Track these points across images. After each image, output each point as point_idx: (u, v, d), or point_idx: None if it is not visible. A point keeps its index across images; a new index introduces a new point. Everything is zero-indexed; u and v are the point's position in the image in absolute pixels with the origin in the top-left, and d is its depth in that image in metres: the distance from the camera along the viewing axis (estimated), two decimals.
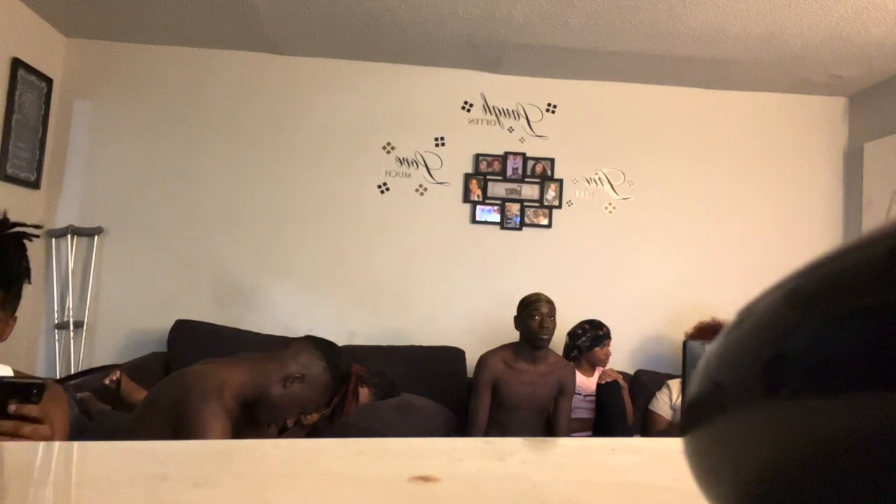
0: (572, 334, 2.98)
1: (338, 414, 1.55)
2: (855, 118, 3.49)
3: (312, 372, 1.48)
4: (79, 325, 3.14)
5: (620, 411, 2.72)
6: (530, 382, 2.58)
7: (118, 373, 2.33)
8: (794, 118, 3.51)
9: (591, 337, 2.92)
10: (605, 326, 2.96)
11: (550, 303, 2.62)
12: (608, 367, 2.96)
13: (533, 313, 2.56)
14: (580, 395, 2.87)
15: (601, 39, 2.91)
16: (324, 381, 1.49)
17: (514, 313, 2.70)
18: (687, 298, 3.32)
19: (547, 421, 2.68)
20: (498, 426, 2.62)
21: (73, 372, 3.08)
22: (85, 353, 3.15)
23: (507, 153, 3.40)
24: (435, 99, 3.40)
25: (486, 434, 2.62)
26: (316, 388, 1.48)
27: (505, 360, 2.61)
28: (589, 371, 2.94)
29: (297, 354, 1.49)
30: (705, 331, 2.91)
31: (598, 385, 2.80)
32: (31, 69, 2.97)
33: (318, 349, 1.52)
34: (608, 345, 2.94)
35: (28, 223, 1.18)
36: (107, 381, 2.19)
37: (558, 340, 3.04)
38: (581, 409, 2.87)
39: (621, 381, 2.86)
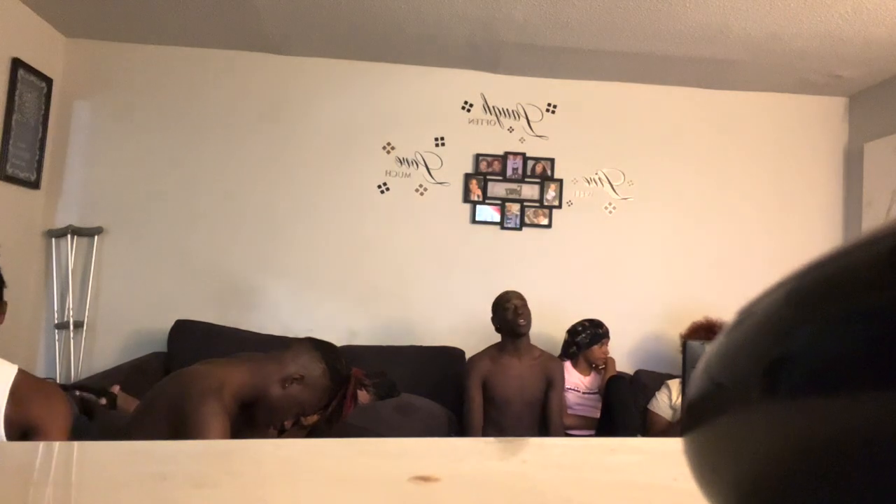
0: (572, 331, 3.00)
1: (336, 417, 1.55)
2: (855, 118, 3.49)
3: (312, 374, 1.48)
4: (79, 325, 3.14)
5: (627, 407, 2.73)
6: (518, 375, 2.65)
7: (116, 389, 2.34)
8: (794, 118, 3.51)
9: (590, 334, 2.94)
10: (605, 326, 2.98)
11: (520, 295, 2.72)
12: (609, 357, 3.00)
13: (506, 305, 2.67)
14: (577, 391, 2.89)
15: (601, 39, 2.91)
16: (323, 383, 1.49)
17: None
18: (687, 298, 3.32)
19: (541, 416, 2.70)
20: (494, 424, 2.65)
21: (72, 372, 3.09)
22: (85, 353, 3.15)
23: (507, 153, 3.40)
24: (435, 99, 3.40)
25: (484, 433, 2.63)
26: (315, 389, 1.48)
27: (491, 357, 2.70)
28: (586, 369, 2.95)
29: (297, 356, 1.49)
30: (699, 330, 2.92)
31: (607, 381, 2.82)
32: (31, 69, 2.97)
33: (319, 351, 1.52)
34: (606, 344, 2.96)
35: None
36: (103, 402, 2.21)
37: (550, 336, 3.05)
38: (580, 406, 2.88)
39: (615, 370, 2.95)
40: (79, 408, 2.16)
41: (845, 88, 3.40)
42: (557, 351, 2.99)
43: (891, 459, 0.14)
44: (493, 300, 2.73)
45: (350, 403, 1.56)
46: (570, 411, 2.85)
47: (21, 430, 1.25)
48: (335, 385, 1.52)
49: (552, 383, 2.69)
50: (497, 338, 2.73)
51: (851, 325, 0.15)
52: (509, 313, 2.65)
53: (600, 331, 2.95)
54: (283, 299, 3.28)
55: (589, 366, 2.96)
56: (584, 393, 2.90)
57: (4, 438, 1.23)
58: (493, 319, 2.73)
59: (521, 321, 2.64)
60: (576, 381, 2.91)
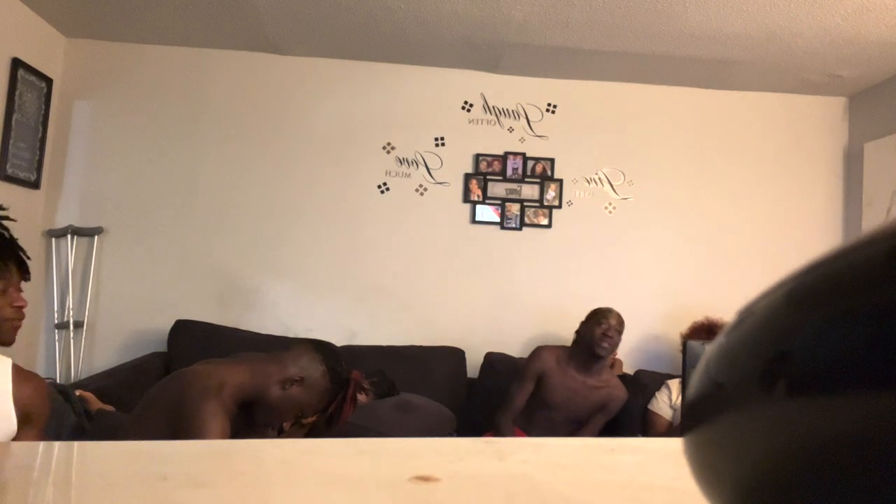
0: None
1: (336, 419, 1.55)
2: (855, 118, 3.49)
3: (312, 375, 1.47)
4: (79, 325, 3.14)
5: (630, 410, 2.73)
6: (573, 389, 2.55)
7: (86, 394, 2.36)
8: (794, 118, 3.51)
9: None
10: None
11: (620, 319, 2.60)
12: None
13: (601, 320, 2.55)
14: None
15: (601, 39, 2.91)
16: (323, 385, 1.49)
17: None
18: (686, 298, 3.32)
19: (574, 431, 2.64)
20: (528, 419, 2.60)
21: (72, 372, 3.09)
22: (85, 353, 3.15)
23: (507, 153, 3.40)
24: (435, 99, 3.40)
25: (516, 423, 2.61)
26: (315, 391, 1.48)
27: (558, 357, 2.60)
28: None
29: (298, 357, 1.49)
30: (699, 330, 2.92)
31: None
32: (31, 69, 2.96)
33: (319, 353, 1.52)
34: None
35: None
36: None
37: (551, 336, 3.05)
38: None
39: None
40: (79, 406, 2.16)
41: (845, 88, 3.40)
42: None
43: (890, 459, 0.14)
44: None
45: (350, 406, 1.56)
46: None
47: (19, 418, 1.28)
48: (335, 388, 1.52)
49: (605, 408, 2.58)
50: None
51: (851, 325, 0.15)
52: (599, 329, 2.52)
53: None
54: (282, 299, 3.28)
55: None
56: None
57: (15, 421, 1.26)
58: (581, 325, 2.62)
59: (605, 344, 2.50)
60: None
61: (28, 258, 1.38)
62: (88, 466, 0.41)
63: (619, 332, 2.57)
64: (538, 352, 2.64)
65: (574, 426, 2.62)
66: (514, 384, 2.62)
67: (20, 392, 1.29)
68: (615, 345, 2.56)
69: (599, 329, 2.52)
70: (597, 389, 2.57)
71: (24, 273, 1.38)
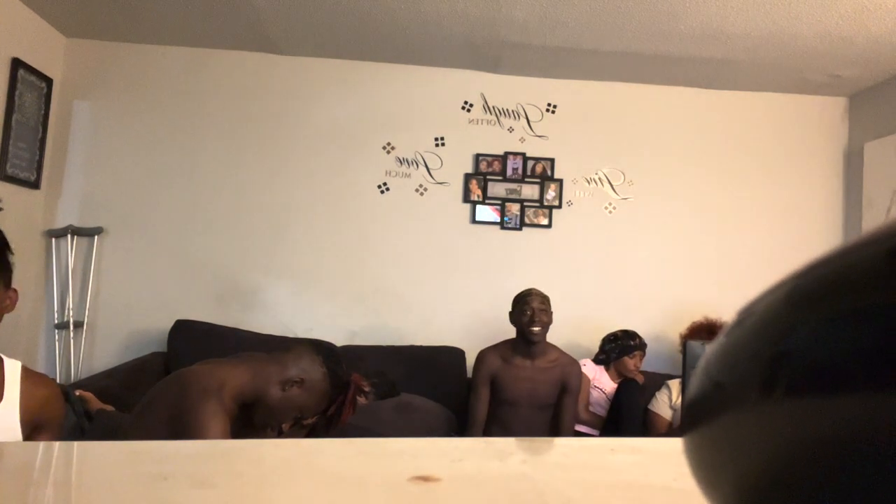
0: (605, 340, 2.99)
1: (335, 422, 1.55)
2: (855, 118, 3.49)
3: (312, 377, 1.47)
4: (79, 325, 3.14)
5: (635, 410, 2.72)
6: (528, 378, 2.54)
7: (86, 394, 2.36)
8: (794, 118, 3.51)
9: (620, 346, 2.92)
10: (640, 337, 2.96)
11: (542, 296, 2.58)
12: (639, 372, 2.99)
13: (524, 308, 2.54)
14: (603, 392, 2.88)
15: (601, 39, 2.91)
16: (322, 387, 1.48)
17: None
18: (686, 298, 3.32)
19: (552, 419, 2.66)
20: (500, 423, 2.59)
21: (72, 372, 3.09)
22: (85, 353, 3.15)
23: (507, 153, 3.40)
24: (435, 99, 3.39)
25: (489, 431, 2.60)
26: (314, 393, 1.47)
27: (502, 355, 2.59)
28: (617, 378, 2.93)
29: (298, 358, 1.48)
30: (698, 330, 2.92)
31: (619, 382, 2.81)
32: (31, 69, 2.97)
33: (320, 355, 1.51)
34: (639, 356, 2.93)
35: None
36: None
37: (567, 338, 3.04)
38: (601, 407, 2.88)
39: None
40: (78, 406, 2.16)
41: (845, 88, 3.40)
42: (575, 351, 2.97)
43: (890, 459, 0.14)
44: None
45: (349, 409, 1.56)
46: (590, 408, 2.85)
47: (30, 427, 1.27)
48: (334, 390, 1.51)
49: (567, 389, 2.56)
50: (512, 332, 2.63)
51: (851, 325, 0.15)
52: (525, 317, 2.51)
53: (632, 343, 2.92)
54: (283, 299, 3.28)
55: (621, 376, 2.92)
56: (609, 398, 2.89)
57: (20, 433, 1.24)
58: (510, 315, 2.60)
59: (536, 328, 2.48)
60: (605, 383, 2.90)
61: (10, 262, 1.20)
62: (88, 466, 0.41)
63: (545, 310, 2.54)
64: (481, 356, 2.63)
65: (545, 411, 2.60)
66: (471, 397, 2.61)
67: (30, 401, 1.25)
68: (545, 324, 2.52)
69: (524, 318, 2.51)
70: (550, 369, 2.55)
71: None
